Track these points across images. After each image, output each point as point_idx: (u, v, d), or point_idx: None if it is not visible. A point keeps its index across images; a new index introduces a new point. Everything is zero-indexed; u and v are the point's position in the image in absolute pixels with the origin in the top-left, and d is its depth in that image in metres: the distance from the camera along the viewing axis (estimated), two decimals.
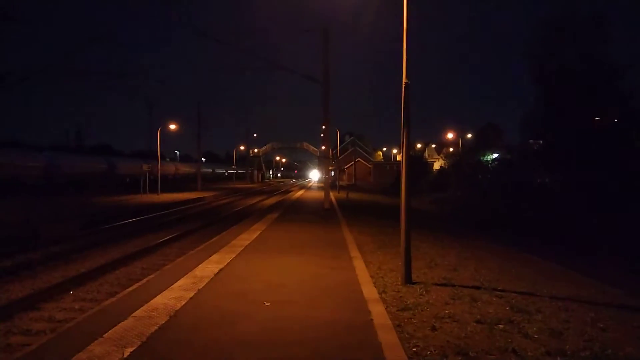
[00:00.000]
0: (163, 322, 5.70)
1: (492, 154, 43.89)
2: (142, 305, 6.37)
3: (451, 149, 69.92)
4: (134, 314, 5.99)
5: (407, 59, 8.08)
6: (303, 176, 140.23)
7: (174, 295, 6.87)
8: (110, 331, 5.35)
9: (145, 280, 8.02)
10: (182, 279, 7.92)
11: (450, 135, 62.64)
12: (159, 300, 6.65)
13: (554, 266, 11.58)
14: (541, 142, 30.34)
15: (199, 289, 7.24)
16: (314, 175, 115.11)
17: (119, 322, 5.65)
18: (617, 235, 18.08)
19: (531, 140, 33.65)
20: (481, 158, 43.16)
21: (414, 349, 5.08)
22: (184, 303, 6.50)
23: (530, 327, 5.92)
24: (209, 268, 8.79)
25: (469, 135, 62.21)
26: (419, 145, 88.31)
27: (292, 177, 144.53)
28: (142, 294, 6.96)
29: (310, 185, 66.82)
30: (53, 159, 37.03)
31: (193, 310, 6.23)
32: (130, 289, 7.42)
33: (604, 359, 5.04)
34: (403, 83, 8.14)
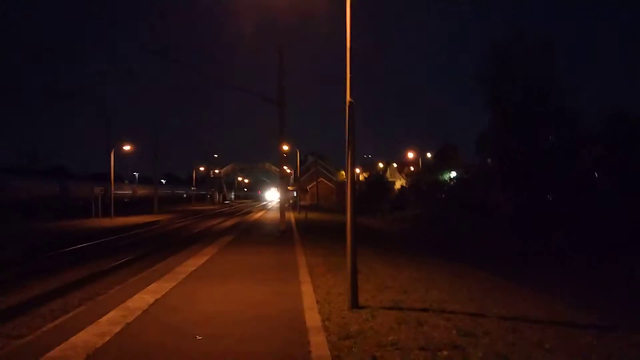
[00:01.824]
0: None
1: (450, 173, 44.53)
2: (60, 343, 5.80)
3: (412, 168, 70.82)
4: (48, 354, 5.42)
5: (350, 77, 7.89)
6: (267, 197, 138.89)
7: (98, 331, 6.32)
8: None
9: (72, 313, 7.42)
10: (112, 311, 7.36)
11: (410, 155, 63.49)
12: (81, 336, 6.09)
13: (506, 284, 11.49)
14: (494, 161, 30.92)
15: (127, 323, 6.70)
16: (271, 195, 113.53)
17: None
18: (566, 252, 18.38)
19: (489, 160, 34.30)
20: (439, 177, 43.72)
21: None
22: (107, 339, 5.96)
23: (475, 353, 5.67)
24: (144, 299, 8.23)
25: (429, 155, 63.16)
26: (380, 165, 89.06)
27: (254, 198, 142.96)
28: (65, 330, 6.38)
29: (271, 207, 66.10)
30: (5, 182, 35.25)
31: (115, 347, 5.71)
32: (52, 324, 6.82)
33: None
34: (347, 102, 7.92)
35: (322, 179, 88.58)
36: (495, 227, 24.67)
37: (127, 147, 42.23)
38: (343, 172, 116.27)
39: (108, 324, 6.67)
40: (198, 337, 6.06)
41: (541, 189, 23.83)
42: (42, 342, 5.86)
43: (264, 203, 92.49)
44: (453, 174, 43.79)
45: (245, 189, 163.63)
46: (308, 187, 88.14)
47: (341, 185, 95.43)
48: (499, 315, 7.60)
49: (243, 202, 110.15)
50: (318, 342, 5.96)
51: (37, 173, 62.46)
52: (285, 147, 25.52)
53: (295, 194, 60.45)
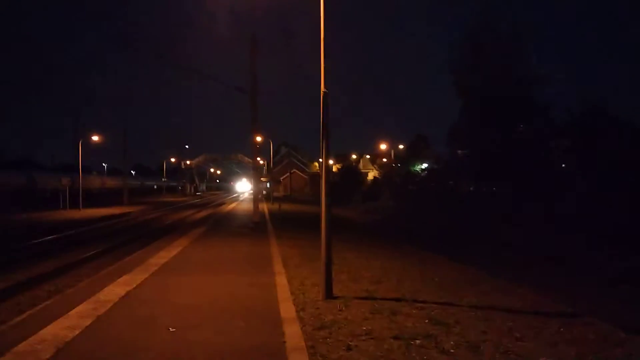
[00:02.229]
0: (47, 357, 5.04)
1: (421, 164, 44.99)
2: (28, 337, 5.65)
3: (384, 160, 71.27)
4: (15, 349, 5.28)
5: (324, 67, 7.87)
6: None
7: (68, 324, 6.18)
8: None
9: (40, 306, 7.24)
10: (82, 304, 7.20)
11: (383, 146, 63.84)
12: (50, 330, 5.95)
13: (477, 273, 11.68)
14: (464, 152, 31.35)
15: (97, 316, 6.57)
16: (242, 186, 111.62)
17: None
18: (534, 239, 18.81)
19: (459, 151, 34.76)
20: (411, 168, 44.14)
21: None
22: (77, 333, 5.84)
23: (447, 341, 5.77)
24: (115, 291, 8.08)
25: (401, 146, 63.65)
26: (354, 156, 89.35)
27: (226, 189, 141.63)
28: (33, 323, 6.22)
29: (244, 198, 65.65)
30: None
31: (86, 341, 5.59)
32: (20, 317, 6.65)
33: None
34: (321, 92, 7.90)
35: (295, 170, 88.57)
36: (465, 217, 25.07)
37: (95, 138, 41.36)
38: (317, 164, 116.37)
39: (78, 317, 6.53)
40: (171, 329, 5.99)
41: (511, 179, 24.31)
42: (10, 336, 5.70)
43: (235, 195, 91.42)
44: (424, 165, 44.26)
45: (218, 180, 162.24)
46: (281, 178, 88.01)
47: (315, 176, 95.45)
48: (470, 304, 7.74)
49: (215, 194, 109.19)
50: (293, 332, 5.97)
51: (2, 164, 60.68)
52: (258, 138, 25.34)
53: (268, 185, 60.25)
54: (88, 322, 6.30)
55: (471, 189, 30.52)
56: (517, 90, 27.38)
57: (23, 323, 6.34)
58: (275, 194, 55.55)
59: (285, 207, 38.21)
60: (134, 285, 8.52)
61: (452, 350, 5.47)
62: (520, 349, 5.56)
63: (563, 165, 26.53)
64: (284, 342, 5.61)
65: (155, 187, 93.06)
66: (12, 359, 5.00)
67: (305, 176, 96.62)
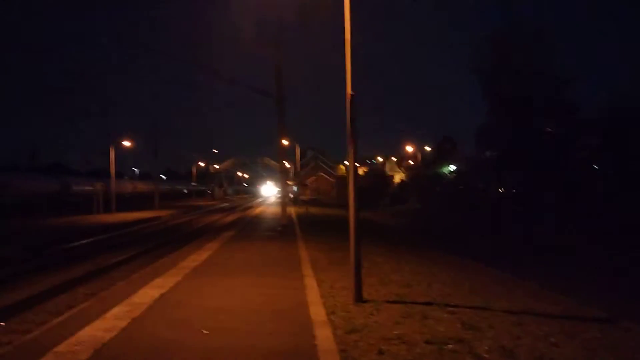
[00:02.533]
0: (85, 357, 5.18)
1: (449, 166, 44.52)
2: (67, 338, 5.82)
3: (411, 162, 70.77)
4: (55, 349, 5.44)
5: (351, 69, 7.88)
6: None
7: (104, 326, 6.34)
8: None
9: (77, 309, 7.44)
10: (117, 306, 7.37)
11: (409, 149, 63.41)
12: (87, 331, 6.11)
13: (509, 277, 11.52)
14: (494, 153, 30.87)
15: (133, 318, 6.72)
16: (267, 190, 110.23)
17: None
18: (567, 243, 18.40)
19: (488, 152, 34.26)
20: (439, 170, 43.73)
21: None
22: (113, 334, 5.98)
23: (480, 346, 5.69)
24: (149, 294, 8.24)
25: (428, 148, 63.10)
26: (380, 159, 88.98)
27: (254, 193, 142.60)
28: (71, 325, 6.39)
29: (271, 202, 65.98)
30: (2, 179, 35.28)
31: (122, 342, 5.72)
32: (58, 319, 6.84)
33: None
34: (348, 95, 7.91)
35: (322, 173, 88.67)
36: (495, 219, 24.68)
37: (127, 143, 42.22)
38: (342, 167, 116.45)
39: (114, 319, 6.68)
40: (205, 332, 6.08)
41: (541, 179, 23.83)
42: (49, 338, 5.88)
43: (262, 199, 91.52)
44: (452, 167, 43.78)
45: (245, 184, 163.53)
46: (308, 182, 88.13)
47: (341, 179, 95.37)
48: (503, 308, 7.62)
49: (243, 197, 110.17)
50: (324, 335, 5.98)
51: (37, 170, 62.51)
52: (285, 142, 25.49)
53: (295, 188, 60.46)
54: (124, 324, 6.44)
55: (500, 190, 30.02)
56: (543, 89, 26.88)
57: (61, 325, 6.52)
58: (302, 197, 55.71)
59: (312, 210, 38.28)
60: (167, 288, 8.67)
61: (485, 355, 5.40)
62: (556, 355, 5.46)
63: (594, 166, 25.93)
64: (316, 345, 5.63)
65: (185, 191, 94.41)
66: (52, 359, 5.14)
67: (332, 179, 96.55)
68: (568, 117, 26.39)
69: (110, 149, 40.96)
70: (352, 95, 7.89)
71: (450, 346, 5.67)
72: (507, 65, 28.48)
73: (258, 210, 41.78)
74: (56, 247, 18.56)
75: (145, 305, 7.42)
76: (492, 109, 29.78)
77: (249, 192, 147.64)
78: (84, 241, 20.67)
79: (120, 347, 5.56)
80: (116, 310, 7.16)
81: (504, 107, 27.70)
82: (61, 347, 5.51)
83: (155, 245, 19.51)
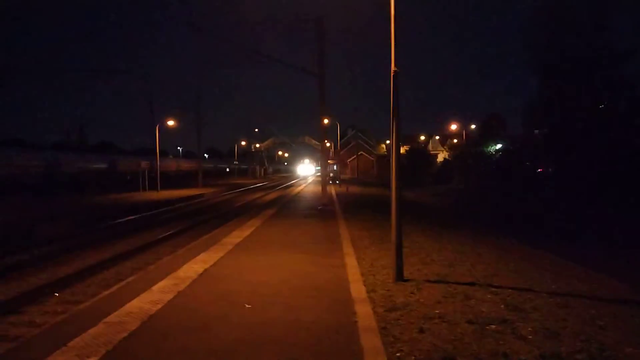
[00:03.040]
0: (134, 328, 5.39)
1: (495, 145, 43.33)
2: (116, 310, 6.06)
3: (455, 141, 69.35)
4: (105, 320, 5.68)
5: (395, 45, 7.71)
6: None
7: (151, 298, 6.56)
8: (76, 339, 5.04)
9: (125, 282, 7.72)
10: (163, 280, 7.61)
11: (453, 127, 62.03)
12: (135, 303, 6.34)
13: (554, 259, 11.19)
14: (544, 131, 29.81)
15: (179, 291, 6.93)
16: (305, 169, 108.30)
17: (88, 329, 5.35)
18: (618, 226, 17.66)
19: (536, 130, 33.12)
20: (484, 149, 42.64)
21: (398, 354, 4.75)
22: (160, 307, 6.18)
23: (524, 327, 5.58)
24: (193, 268, 8.47)
25: (473, 126, 61.54)
26: (422, 137, 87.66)
27: (294, 172, 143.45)
28: (119, 297, 6.65)
29: (311, 181, 66.25)
30: (54, 157, 36.87)
31: (168, 314, 5.92)
32: (108, 291, 7.12)
33: None
34: (392, 71, 7.77)
35: (362, 152, 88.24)
36: (543, 200, 23.97)
37: (171, 123, 43.06)
38: (383, 146, 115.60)
39: (160, 292, 6.91)
40: (247, 306, 6.20)
41: (593, 160, 22.88)
42: (99, 308, 6.14)
43: (302, 177, 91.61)
44: (498, 145, 42.59)
45: (286, 163, 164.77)
46: (348, 161, 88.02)
47: (382, 158, 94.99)
48: (549, 290, 7.43)
49: (283, 176, 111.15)
50: (364, 313, 6.00)
51: (86, 149, 64.92)
52: (326, 121, 25.40)
53: (335, 167, 60.47)
54: (170, 297, 6.64)
55: (550, 170, 29.04)
56: (597, 66, 25.61)
57: (111, 297, 6.79)
58: (342, 176, 55.68)
59: (353, 189, 38.24)
60: (211, 263, 8.88)
61: (529, 337, 5.29)
62: (604, 338, 5.29)
63: None
64: (356, 322, 5.65)
65: (227, 169, 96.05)
66: (103, 329, 5.37)
67: (372, 158, 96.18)
68: (625, 93, 25.11)
69: (156, 128, 41.93)
70: (395, 72, 7.75)
71: (492, 327, 5.58)
72: (558, 39, 27.27)
73: (298, 189, 42.06)
74: (105, 223, 19.28)
75: (190, 280, 7.63)
76: (542, 86, 28.68)
77: (289, 171, 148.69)
78: (130, 217, 21.39)
79: (166, 319, 5.74)
80: (162, 283, 7.40)
81: (554, 85, 26.62)
82: (111, 318, 5.74)
83: (199, 221, 19.98)
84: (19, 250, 13.55)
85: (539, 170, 29.39)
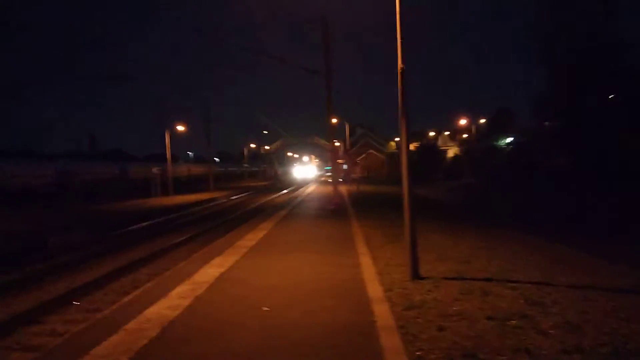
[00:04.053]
0: (154, 334, 5.41)
1: (505, 139, 43.01)
2: (135, 317, 6.09)
3: (465, 135, 69.03)
4: (125, 327, 5.71)
5: (402, 42, 7.68)
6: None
7: (169, 304, 6.59)
8: (98, 347, 5.08)
9: (142, 288, 7.76)
10: (180, 285, 7.65)
11: (463, 122, 61.82)
12: (154, 310, 6.37)
13: (570, 252, 11.09)
14: (554, 123, 29.50)
15: (196, 296, 6.95)
16: (303, 171, 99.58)
17: (109, 337, 5.38)
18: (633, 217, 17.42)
19: (546, 122, 32.78)
20: (495, 143, 42.37)
21: (418, 353, 4.73)
22: (178, 312, 6.21)
23: (545, 322, 5.53)
24: (209, 272, 8.50)
25: (482, 121, 61.21)
26: (431, 133, 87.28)
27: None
28: (138, 304, 6.69)
29: (320, 181, 66.18)
30: (65, 166, 37.26)
31: (187, 319, 5.94)
32: (126, 298, 7.16)
33: (626, 354, 4.64)
34: (399, 68, 7.74)
35: (372, 150, 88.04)
36: (555, 193, 23.74)
37: (180, 128, 43.29)
38: (393, 143, 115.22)
39: (178, 297, 6.93)
40: (265, 309, 6.21)
41: (607, 150, 22.60)
42: (119, 316, 6.17)
43: (312, 178, 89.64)
44: (509, 139, 42.26)
45: (296, 164, 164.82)
46: (358, 160, 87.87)
47: (392, 156, 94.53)
48: (568, 284, 7.35)
49: (294, 177, 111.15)
50: (382, 312, 5.98)
51: (97, 157, 65.50)
52: (334, 120, 25.38)
53: (344, 166, 60.44)
54: (187, 302, 6.67)
55: (561, 161, 28.74)
56: (607, 56, 25.26)
57: (130, 303, 6.82)
58: (352, 175, 55.61)
59: (363, 188, 38.20)
60: (227, 267, 8.91)
61: (551, 331, 5.24)
62: (627, 330, 5.23)
63: None
64: (374, 321, 5.63)
65: (238, 172, 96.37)
66: (123, 336, 5.40)
67: (382, 156, 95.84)
68: (634, 83, 24.74)
69: (166, 133, 42.19)
70: (402, 69, 7.72)
71: (513, 322, 5.54)
72: (565, 30, 26.94)
73: (309, 189, 42.08)
74: (119, 230, 19.42)
75: (207, 284, 7.66)
76: (551, 77, 28.35)
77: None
78: (144, 224, 21.53)
79: (186, 324, 5.77)
80: (179, 289, 7.43)
81: (564, 75, 26.31)
82: (131, 325, 5.78)
83: (213, 225, 20.07)
84: (36, 260, 13.69)
85: (555, 161, 29.05)
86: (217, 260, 9.60)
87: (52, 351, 5.13)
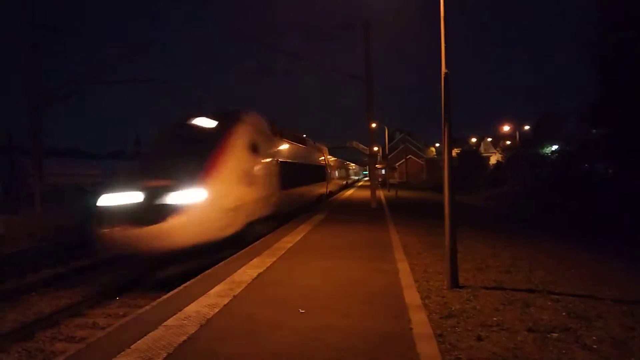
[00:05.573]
0: (193, 331, 5.53)
1: (551, 146, 41.70)
2: (175, 313, 6.25)
3: (508, 142, 67.44)
4: (165, 323, 5.87)
5: (445, 47, 7.60)
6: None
7: (208, 302, 6.72)
8: (138, 342, 5.23)
9: (182, 286, 7.93)
10: (219, 284, 7.78)
11: (506, 128, 60.40)
12: (193, 307, 6.51)
13: (618, 266, 10.68)
14: (603, 131, 28.40)
15: (234, 296, 7.06)
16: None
17: (149, 332, 5.54)
18: None
19: (594, 130, 31.60)
20: (540, 150, 41.16)
21: None
22: (216, 311, 6.32)
23: (588, 336, 5.36)
24: (247, 273, 8.62)
25: (527, 127, 59.55)
26: (473, 140, 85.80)
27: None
28: (178, 301, 6.85)
29: (359, 186, 65.91)
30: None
31: (225, 318, 6.04)
32: (166, 295, 7.34)
33: None
34: (442, 73, 7.66)
35: (411, 156, 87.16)
36: (604, 204, 22.90)
37: None
38: (433, 149, 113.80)
39: (216, 296, 7.06)
40: (301, 311, 6.24)
41: None
42: (159, 312, 6.34)
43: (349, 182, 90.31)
44: (554, 147, 40.95)
45: None
46: (397, 165, 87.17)
47: (431, 161, 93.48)
48: (613, 298, 7.09)
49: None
50: (419, 319, 5.91)
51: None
52: (373, 125, 25.29)
53: (383, 171, 60.07)
54: (226, 301, 6.79)
55: (610, 171, 27.66)
56: None
57: (169, 300, 7.00)
58: (390, 180, 55.21)
59: (402, 193, 37.84)
60: (264, 268, 9.00)
61: (594, 346, 5.07)
62: None
63: None
64: (411, 328, 5.58)
65: None
66: (163, 332, 5.54)
67: (421, 162, 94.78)
68: None
69: None
70: (446, 74, 7.63)
71: (555, 335, 5.38)
72: (615, 30, 25.91)
73: (347, 193, 42.01)
74: None
75: (245, 284, 7.77)
76: (601, 83, 27.34)
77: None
78: None
79: (223, 322, 5.87)
80: (218, 288, 7.56)
81: (615, 81, 25.34)
82: (170, 321, 5.92)
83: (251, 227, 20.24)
84: (82, 256, 14.20)
85: (610, 171, 27.91)
86: (255, 261, 9.72)
87: (96, 343, 5.31)
